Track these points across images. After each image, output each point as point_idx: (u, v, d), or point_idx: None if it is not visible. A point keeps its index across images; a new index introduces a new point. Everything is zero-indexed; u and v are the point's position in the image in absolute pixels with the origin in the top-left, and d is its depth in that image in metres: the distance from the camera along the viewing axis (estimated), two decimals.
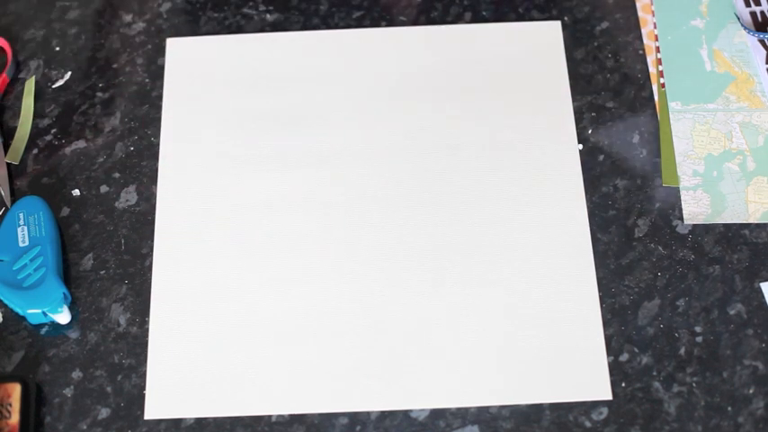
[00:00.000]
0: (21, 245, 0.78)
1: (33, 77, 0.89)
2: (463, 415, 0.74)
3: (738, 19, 0.87)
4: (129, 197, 0.83)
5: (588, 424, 0.73)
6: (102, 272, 0.80)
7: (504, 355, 0.76)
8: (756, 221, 0.80)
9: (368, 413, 0.74)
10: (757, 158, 0.83)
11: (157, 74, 0.89)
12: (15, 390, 0.73)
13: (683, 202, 0.81)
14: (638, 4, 0.91)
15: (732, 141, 0.83)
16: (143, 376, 0.76)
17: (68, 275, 0.80)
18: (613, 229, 0.81)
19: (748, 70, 0.86)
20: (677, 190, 0.82)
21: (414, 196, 0.82)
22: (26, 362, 0.77)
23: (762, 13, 0.89)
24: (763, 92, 0.85)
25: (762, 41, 0.87)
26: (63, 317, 0.77)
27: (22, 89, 0.88)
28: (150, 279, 0.79)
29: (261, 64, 0.89)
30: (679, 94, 0.86)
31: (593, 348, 0.76)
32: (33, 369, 0.76)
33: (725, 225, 0.80)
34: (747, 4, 0.89)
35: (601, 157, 0.84)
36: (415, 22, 0.91)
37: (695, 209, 0.80)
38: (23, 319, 0.78)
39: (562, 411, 0.74)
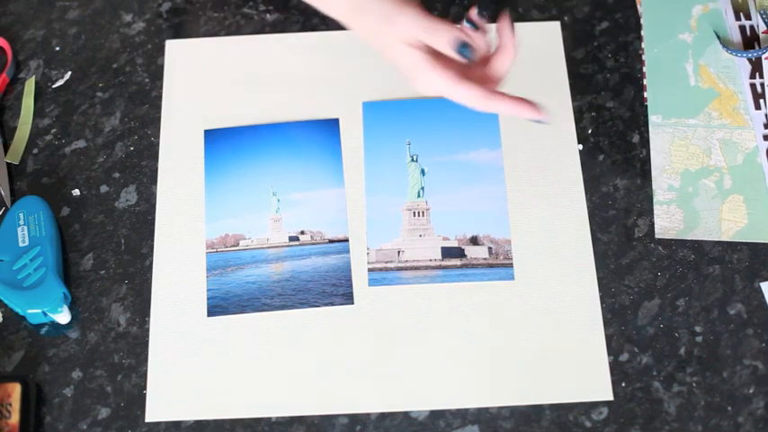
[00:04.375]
0: (21, 245, 0.78)
1: (33, 77, 0.89)
2: (463, 415, 0.74)
3: (718, 38, 0.86)
4: (129, 197, 0.83)
5: (588, 424, 0.73)
6: (102, 272, 0.80)
7: (504, 356, 0.76)
8: (729, 240, 0.79)
9: (368, 413, 0.74)
10: (735, 176, 0.82)
11: (157, 74, 0.89)
12: (15, 390, 0.73)
13: (655, 216, 0.80)
14: (639, 4, 0.91)
15: (711, 158, 0.82)
16: (143, 376, 0.76)
17: (68, 275, 0.80)
18: (613, 229, 0.81)
19: (733, 87, 0.85)
20: None
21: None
22: (26, 362, 0.77)
23: (751, 27, 0.88)
24: (746, 109, 0.84)
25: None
26: (63, 317, 0.77)
27: (22, 89, 0.88)
28: (150, 279, 0.79)
29: (259, 65, 0.89)
30: (661, 107, 0.84)
31: (593, 348, 0.76)
32: (33, 369, 0.76)
33: None
34: (737, 18, 0.88)
35: (601, 157, 0.84)
36: None
37: (667, 224, 0.80)
38: (23, 319, 0.78)
39: (562, 411, 0.74)
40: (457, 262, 0.80)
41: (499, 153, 0.84)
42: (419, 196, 0.83)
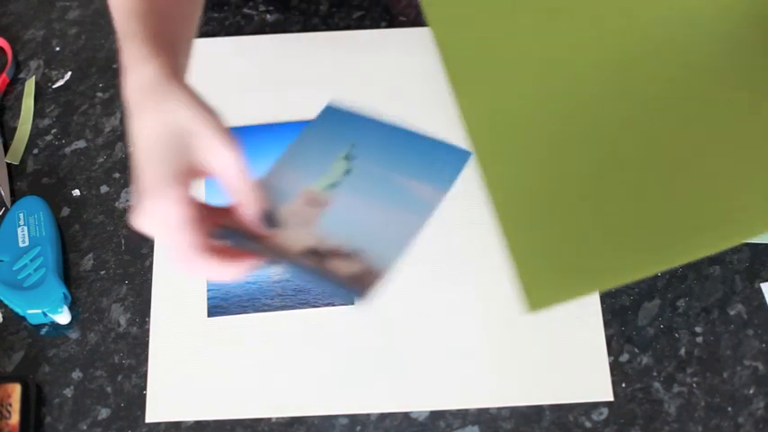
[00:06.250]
0: (21, 245, 0.78)
1: (33, 78, 0.89)
2: (463, 415, 0.74)
3: None
4: (129, 197, 0.83)
5: (588, 424, 0.73)
6: (102, 272, 0.80)
7: (504, 356, 0.76)
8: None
9: (368, 413, 0.74)
10: None
11: None
12: (15, 390, 0.73)
13: None
14: None
15: None
16: (143, 376, 0.76)
17: (68, 275, 0.80)
18: None
19: None
20: None
21: None
22: (26, 362, 0.77)
23: None
24: None
25: None
26: (63, 317, 0.77)
27: (22, 89, 0.88)
28: (150, 279, 0.79)
29: (259, 65, 0.89)
30: None
31: (593, 348, 0.76)
32: (33, 369, 0.76)
33: None
34: None
35: None
36: (414, 22, 0.91)
37: None
38: (23, 319, 0.78)
39: (562, 411, 0.74)
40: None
41: (441, 195, 0.66)
42: None
